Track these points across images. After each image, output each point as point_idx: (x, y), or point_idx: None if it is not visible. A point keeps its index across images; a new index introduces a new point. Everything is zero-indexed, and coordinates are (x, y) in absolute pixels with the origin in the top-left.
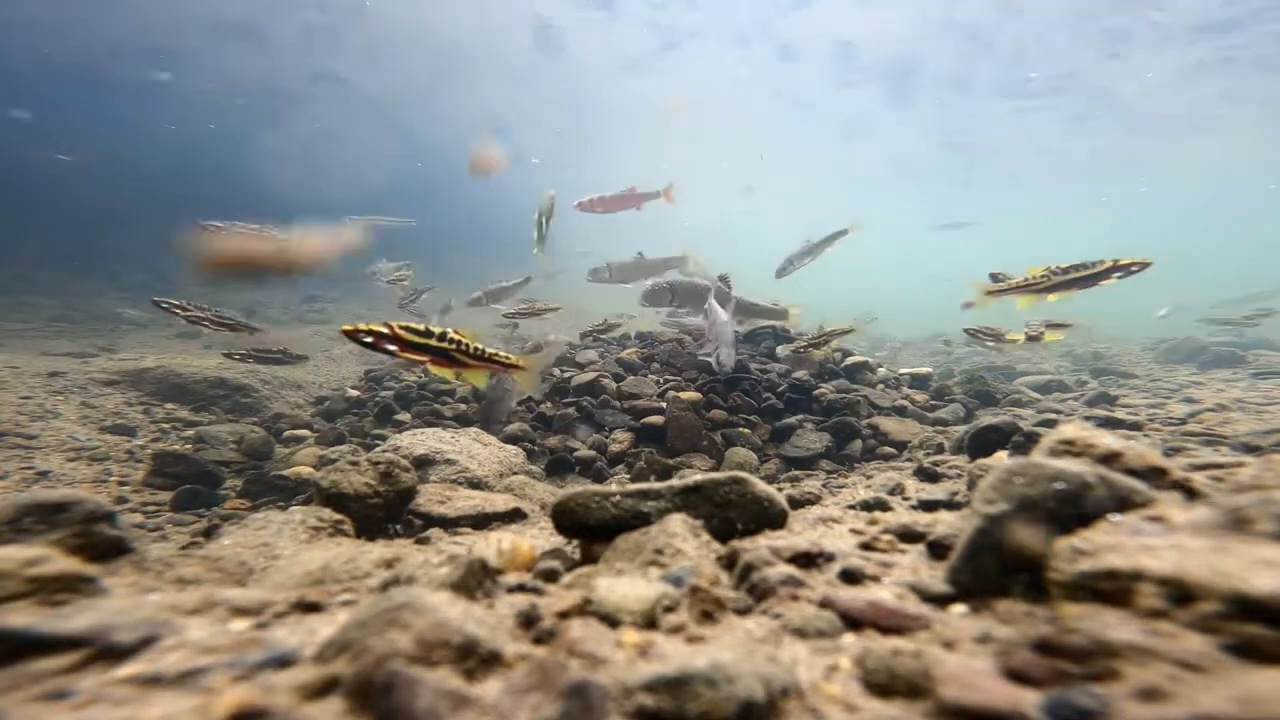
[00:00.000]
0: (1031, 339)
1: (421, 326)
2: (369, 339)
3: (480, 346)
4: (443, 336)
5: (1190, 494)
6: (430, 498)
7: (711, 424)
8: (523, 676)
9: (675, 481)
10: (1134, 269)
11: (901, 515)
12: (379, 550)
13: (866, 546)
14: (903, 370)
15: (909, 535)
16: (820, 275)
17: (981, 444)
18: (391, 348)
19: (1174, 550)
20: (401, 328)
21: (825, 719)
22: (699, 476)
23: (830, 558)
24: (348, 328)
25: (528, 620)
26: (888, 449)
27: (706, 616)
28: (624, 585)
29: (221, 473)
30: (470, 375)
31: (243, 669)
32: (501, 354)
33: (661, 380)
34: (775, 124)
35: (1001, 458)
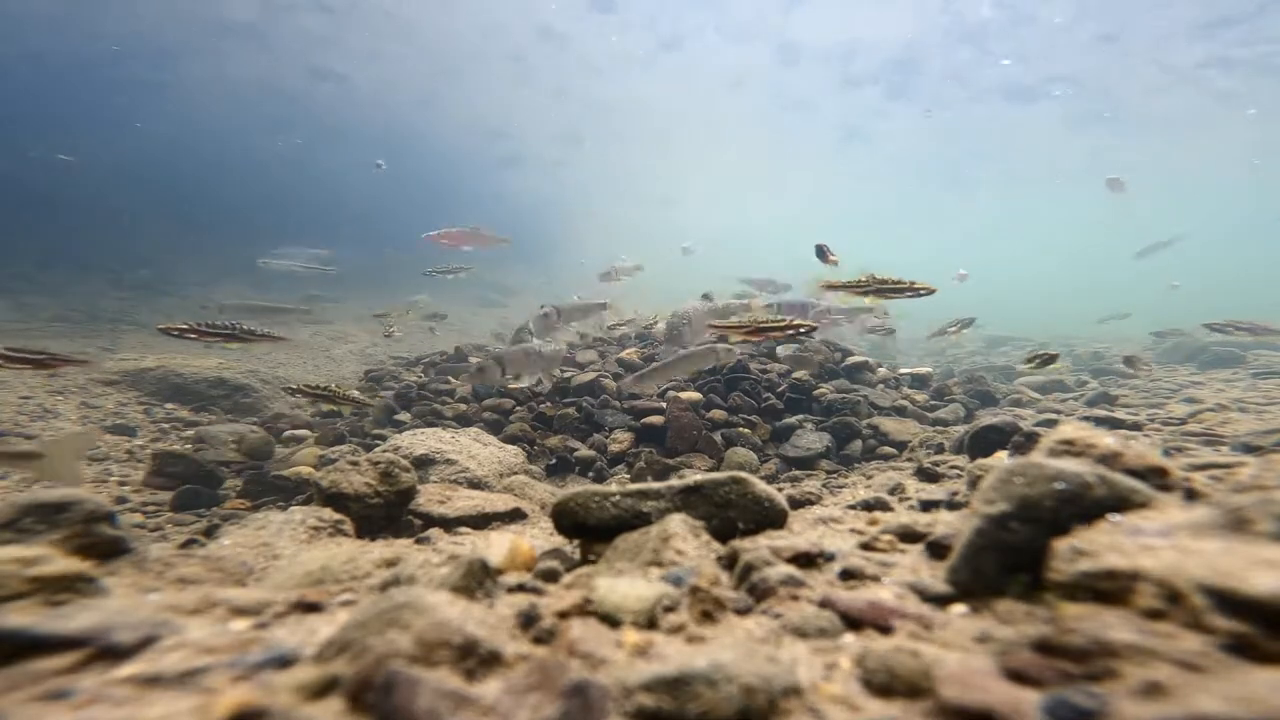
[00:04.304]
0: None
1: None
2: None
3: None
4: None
5: (1190, 494)
6: (430, 498)
7: (711, 424)
8: (523, 676)
9: (675, 481)
10: (922, 293)
11: (901, 515)
12: (379, 550)
13: (866, 546)
14: (903, 370)
15: (909, 535)
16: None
17: (981, 444)
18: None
19: (1174, 550)
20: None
21: (825, 719)
22: (699, 476)
23: (830, 558)
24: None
25: (528, 620)
26: (888, 449)
27: (706, 616)
28: (624, 585)
29: (221, 473)
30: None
31: (243, 669)
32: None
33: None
34: (776, 124)
35: (1001, 458)
